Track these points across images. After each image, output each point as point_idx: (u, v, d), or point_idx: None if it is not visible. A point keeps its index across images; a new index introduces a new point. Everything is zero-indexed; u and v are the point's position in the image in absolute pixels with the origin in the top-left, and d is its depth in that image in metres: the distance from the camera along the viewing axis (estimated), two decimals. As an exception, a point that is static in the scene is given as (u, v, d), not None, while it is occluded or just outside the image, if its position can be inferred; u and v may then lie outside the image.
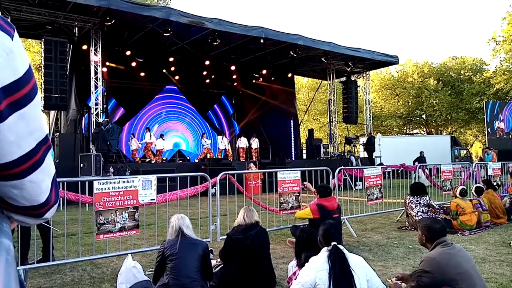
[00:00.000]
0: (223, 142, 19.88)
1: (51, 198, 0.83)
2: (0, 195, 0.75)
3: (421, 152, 19.62)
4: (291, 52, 17.13)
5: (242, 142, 20.15)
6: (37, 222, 0.88)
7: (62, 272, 4.86)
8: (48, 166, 0.78)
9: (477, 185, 8.37)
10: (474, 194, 7.95)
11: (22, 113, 0.64)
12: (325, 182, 7.23)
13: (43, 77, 12.72)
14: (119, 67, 18.71)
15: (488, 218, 7.70)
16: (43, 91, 12.74)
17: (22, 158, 0.68)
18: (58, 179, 4.85)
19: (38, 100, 0.70)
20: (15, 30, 0.65)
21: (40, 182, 0.76)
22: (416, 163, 14.93)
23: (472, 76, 34.03)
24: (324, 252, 3.14)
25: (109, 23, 13.26)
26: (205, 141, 18.97)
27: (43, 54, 12.70)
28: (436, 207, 7.54)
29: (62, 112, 15.02)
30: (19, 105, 0.64)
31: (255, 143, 20.18)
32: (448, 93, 33.85)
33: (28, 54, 25.49)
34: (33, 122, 0.68)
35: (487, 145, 26.17)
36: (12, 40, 0.62)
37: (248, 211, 4.21)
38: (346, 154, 20.37)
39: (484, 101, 29.57)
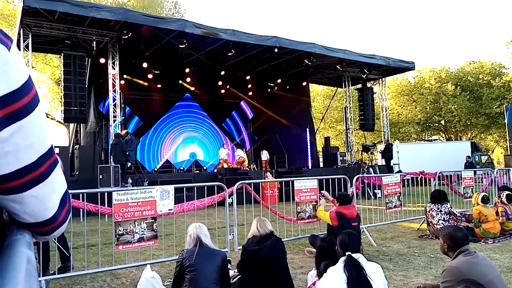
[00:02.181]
0: (240, 154, 20.04)
1: (59, 215, 0.79)
2: (6, 210, 0.73)
3: (467, 157, 19.28)
4: (305, 61, 17.14)
5: (264, 155, 20.80)
6: (45, 239, 0.85)
7: (83, 283, 4.91)
8: (55, 181, 0.75)
9: (508, 192, 8.08)
10: (505, 201, 7.71)
11: (19, 125, 0.62)
12: (342, 191, 7.16)
13: (63, 91, 13.04)
14: (136, 79, 19.04)
15: (514, 225, 7.47)
16: (63, 104, 13.04)
17: (21, 171, 0.66)
18: (77, 191, 4.90)
19: (40, 112, 0.67)
20: (13, 41, 0.64)
21: (44, 198, 0.73)
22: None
23: (491, 80, 33.37)
24: (341, 263, 3.11)
25: (126, 37, 13.53)
26: (223, 152, 19.00)
27: (62, 68, 13.04)
28: (458, 214, 7.37)
29: (81, 124, 15.33)
30: (16, 117, 0.61)
31: (264, 156, 20.75)
32: (466, 98, 33.25)
33: (48, 69, 26.19)
34: (33, 135, 0.66)
35: (509, 151, 25.55)
36: (9, 51, 0.61)
37: (260, 221, 4.17)
38: (362, 163, 20.17)
39: (504, 106, 28.93)
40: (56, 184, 0.76)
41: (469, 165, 18.05)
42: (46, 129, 0.70)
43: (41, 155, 0.69)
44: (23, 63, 0.65)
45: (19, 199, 0.69)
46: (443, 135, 38.80)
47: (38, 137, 0.67)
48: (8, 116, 0.61)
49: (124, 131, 13.82)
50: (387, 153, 18.48)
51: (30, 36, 12.68)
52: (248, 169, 18.75)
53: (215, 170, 18.52)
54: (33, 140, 0.66)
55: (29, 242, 0.75)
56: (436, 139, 38.88)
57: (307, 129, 21.30)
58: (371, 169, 18.26)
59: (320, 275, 3.61)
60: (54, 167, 0.74)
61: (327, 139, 22.58)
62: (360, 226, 6.69)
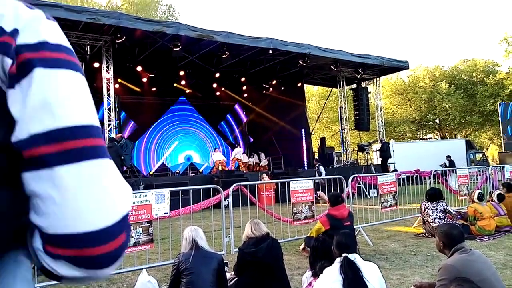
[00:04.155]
0: (239, 153, 20.04)
1: (117, 232, 0.57)
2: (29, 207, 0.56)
3: (447, 157, 19.31)
4: (300, 62, 17.17)
5: (251, 160, 21.04)
6: (89, 278, 0.58)
7: (79, 289, 4.88)
8: (110, 176, 0.59)
9: (499, 191, 8.17)
10: (496, 201, 7.77)
11: (48, 72, 0.58)
12: (338, 191, 7.18)
13: (57, 96, 12.95)
14: (130, 83, 19.00)
15: (508, 222, 7.52)
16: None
17: (55, 132, 0.55)
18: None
19: (77, 76, 0.61)
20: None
21: (92, 187, 0.55)
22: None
23: (484, 78, 33.59)
24: (337, 263, 3.11)
25: (120, 40, 13.50)
26: (218, 156, 19.01)
27: (56, 73, 12.95)
28: (453, 212, 7.40)
29: (76, 129, 15.22)
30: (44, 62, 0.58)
31: (263, 161, 21.06)
32: (460, 96, 33.44)
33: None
34: (64, 90, 0.57)
35: (503, 148, 25.71)
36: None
37: (254, 224, 4.15)
38: (359, 161, 20.22)
39: (498, 103, 29.12)
40: (112, 181, 0.59)
41: (450, 164, 18.10)
42: (81, 99, 0.59)
43: (82, 125, 0.57)
44: (63, 35, 0.63)
45: (50, 177, 0.53)
46: (438, 134, 38.98)
47: (63, 100, 0.57)
48: (42, 59, 0.57)
49: (118, 135, 13.78)
50: (383, 152, 18.53)
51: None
52: (245, 170, 18.76)
53: (212, 174, 18.52)
54: (52, 98, 0.56)
55: (25, 275, 0.60)
56: (431, 138, 39.04)
57: (303, 130, 21.33)
58: (372, 167, 18.31)
59: (315, 275, 3.61)
60: (104, 155, 0.59)
61: (322, 140, 22.64)
62: (356, 226, 6.71)
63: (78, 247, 0.54)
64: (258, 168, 20.52)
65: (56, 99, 0.56)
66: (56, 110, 0.55)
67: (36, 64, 0.56)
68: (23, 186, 0.55)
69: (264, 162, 20.85)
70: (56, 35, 0.60)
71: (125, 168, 13.87)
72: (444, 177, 10.42)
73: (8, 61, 0.56)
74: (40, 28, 0.59)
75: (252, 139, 24.87)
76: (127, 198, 0.62)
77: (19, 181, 0.56)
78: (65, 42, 0.62)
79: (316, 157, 20.12)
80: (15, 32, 0.56)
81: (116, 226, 0.56)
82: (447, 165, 17.74)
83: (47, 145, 0.54)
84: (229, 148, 24.05)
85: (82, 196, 0.55)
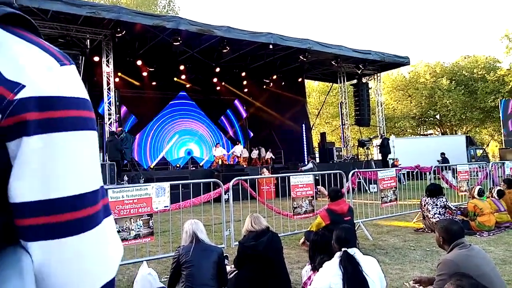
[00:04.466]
0: (238, 151, 20.06)
1: None
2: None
3: (442, 154, 19.34)
4: (300, 57, 17.12)
5: (254, 153, 21.04)
6: None
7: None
8: (100, 244, 0.58)
9: (499, 188, 8.19)
10: (496, 197, 7.78)
11: (53, 137, 0.54)
12: (338, 186, 7.18)
13: (57, 89, 12.93)
14: (130, 77, 18.97)
15: (508, 218, 7.54)
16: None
17: (45, 204, 0.53)
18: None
19: (86, 138, 0.57)
20: (72, 64, 0.60)
21: (77, 262, 0.56)
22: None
23: (485, 75, 33.51)
24: (337, 258, 3.12)
25: (120, 34, 13.46)
26: (219, 151, 18.98)
27: (56, 67, 12.92)
28: (453, 208, 7.41)
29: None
30: (51, 127, 0.53)
31: (268, 154, 20.96)
32: (461, 92, 33.38)
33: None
34: (67, 157, 0.54)
35: (503, 144, 25.70)
36: (60, 66, 0.57)
37: (254, 218, 4.16)
38: (359, 156, 20.21)
39: (499, 100, 29.07)
40: (96, 249, 0.57)
41: (443, 161, 18.13)
42: (92, 163, 0.57)
43: (78, 194, 0.55)
44: (78, 82, 0.60)
45: (33, 250, 0.54)
46: (439, 130, 38.97)
47: (76, 165, 0.55)
48: (43, 122, 0.53)
49: (119, 129, 13.78)
50: (383, 148, 18.53)
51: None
52: (246, 164, 18.78)
53: (212, 168, 18.53)
54: (67, 164, 0.54)
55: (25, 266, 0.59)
56: (432, 134, 39.03)
57: (303, 125, 21.32)
58: (372, 163, 18.31)
59: (314, 269, 3.62)
60: (96, 224, 0.57)
61: (323, 135, 22.63)
62: (356, 221, 6.72)
63: None
64: (261, 161, 20.49)
65: (50, 170, 0.53)
66: (46, 180, 0.53)
67: (34, 129, 0.52)
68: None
69: (268, 155, 20.73)
70: (69, 86, 0.56)
71: (125, 161, 13.89)
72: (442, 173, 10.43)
73: None
74: (51, 81, 0.54)
75: (252, 134, 24.86)
76: (117, 258, 0.61)
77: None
78: (79, 92, 0.58)
79: (312, 154, 20.08)
80: (14, 85, 0.52)
81: (108, 284, 0.58)
82: (441, 162, 17.81)
83: (45, 216, 0.53)
84: (230, 142, 24.07)
85: (81, 263, 0.56)
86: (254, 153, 21.24)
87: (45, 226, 0.53)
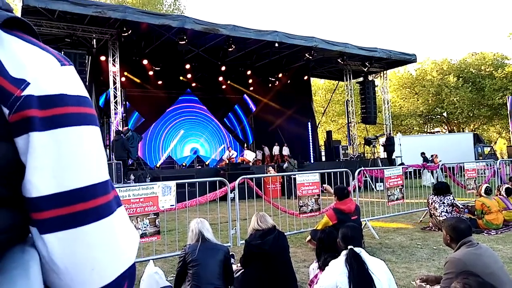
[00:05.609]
0: (247, 155, 20.00)
1: (125, 276, 0.61)
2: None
3: (422, 153, 19.29)
4: (306, 55, 17.07)
5: (258, 154, 21.08)
6: None
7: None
8: (110, 234, 0.59)
9: (507, 185, 8.11)
10: (504, 195, 7.72)
11: (59, 132, 0.56)
12: (344, 184, 7.15)
13: (64, 89, 13.01)
14: (136, 76, 19.05)
15: (516, 216, 7.46)
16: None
17: (57, 196, 0.55)
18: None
19: (90, 132, 0.59)
20: (71, 65, 0.62)
21: (102, 244, 0.58)
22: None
23: (493, 72, 33.19)
24: (343, 256, 3.11)
25: (126, 34, 13.51)
26: (230, 154, 18.83)
27: (63, 67, 13.00)
28: (461, 206, 7.36)
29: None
30: (57, 123, 0.56)
31: (285, 151, 20.63)
32: (469, 89, 33.09)
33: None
34: (74, 150, 0.57)
35: (511, 142, 25.47)
36: (61, 66, 0.60)
37: (260, 217, 4.16)
38: (366, 155, 20.13)
39: (507, 97, 28.78)
40: (122, 233, 0.60)
41: (424, 161, 18.03)
42: (99, 156, 0.60)
43: (89, 185, 0.57)
44: (78, 81, 0.62)
45: (50, 242, 0.56)
46: (446, 127, 38.67)
47: (85, 158, 0.57)
48: (48, 118, 0.55)
49: (125, 128, 13.85)
50: (389, 146, 18.44)
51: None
52: (251, 164, 18.74)
53: (218, 166, 18.51)
54: (77, 157, 0.57)
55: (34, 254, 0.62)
56: (439, 131, 38.75)
57: (309, 123, 21.27)
58: (379, 161, 18.23)
59: (321, 267, 3.62)
60: (114, 209, 0.60)
61: (329, 133, 22.57)
62: (362, 219, 6.69)
63: None
64: (276, 158, 20.26)
65: (61, 163, 0.55)
66: (58, 173, 0.55)
67: (41, 125, 0.55)
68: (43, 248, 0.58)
69: (285, 150, 20.01)
70: (70, 85, 0.59)
71: (131, 160, 13.95)
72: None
73: (5, 110, 0.55)
74: (54, 79, 0.57)
75: (257, 133, 24.85)
76: (134, 246, 0.65)
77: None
78: (79, 90, 0.60)
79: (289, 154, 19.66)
80: (20, 81, 0.55)
81: (127, 272, 0.61)
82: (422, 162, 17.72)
83: (61, 208, 0.55)
84: (237, 142, 24.10)
85: (99, 252, 0.58)
86: (259, 155, 21.22)
87: (62, 217, 0.55)
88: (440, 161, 14.37)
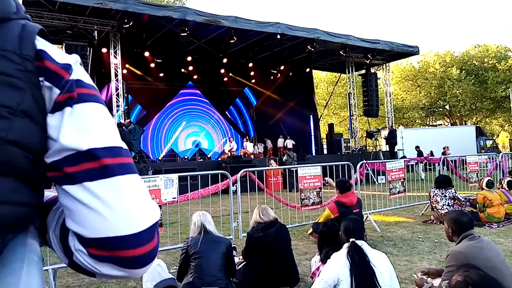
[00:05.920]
0: (248, 147, 20.02)
1: (154, 231, 0.64)
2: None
3: (416, 147, 19.33)
4: (308, 47, 16.99)
5: (260, 147, 21.04)
6: (127, 276, 0.63)
7: (89, 271, 4.95)
8: (133, 188, 0.64)
9: (509, 179, 8.10)
10: (506, 188, 7.71)
11: (71, 109, 0.65)
12: (346, 177, 7.15)
13: (65, 81, 13.02)
14: (138, 69, 18.99)
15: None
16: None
17: (74, 155, 0.62)
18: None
19: (99, 107, 0.68)
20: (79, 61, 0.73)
21: (133, 195, 0.63)
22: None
23: (496, 64, 32.99)
24: (345, 249, 3.13)
25: (127, 26, 13.45)
26: (233, 145, 18.86)
27: (64, 59, 13.00)
28: (462, 199, 7.36)
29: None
30: (75, 100, 0.66)
31: (259, 148, 20.93)
32: (471, 82, 32.92)
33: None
34: (87, 121, 0.65)
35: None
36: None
37: (262, 209, 4.17)
38: (368, 147, 20.11)
39: (509, 89, 28.64)
40: (136, 192, 0.64)
41: (418, 154, 18.07)
42: (110, 126, 0.67)
43: (102, 147, 0.63)
44: (87, 74, 0.72)
45: (74, 193, 0.60)
46: (448, 120, 38.56)
47: (96, 127, 0.64)
48: (79, 95, 0.65)
49: (127, 121, 13.85)
50: (391, 139, 18.41)
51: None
52: (252, 156, 18.76)
53: (219, 159, 18.53)
54: (98, 124, 0.65)
55: (34, 232, 0.68)
56: (441, 124, 38.64)
57: (311, 116, 21.24)
58: (380, 154, 18.21)
59: (322, 260, 3.63)
60: (126, 171, 0.64)
61: (330, 126, 22.53)
62: (364, 212, 6.71)
63: (124, 249, 0.60)
64: (280, 150, 20.26)
65: (92, 126, 0.64)
66: (91, 134, 0.63)
67: (80, 99, 0.65)
68: (59, 197, 0.64)
69: (289, 142, 19.89)
70: (86, 75, 0.71)
71: (133, 153, 13.98)
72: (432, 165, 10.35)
73: (56, 91, 0.65)
74: (81, 69, 0.70)
75: (259, 126, 24.82)
76: (156, 205, 0.69)
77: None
78: (90, 79, 0.72)
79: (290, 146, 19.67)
80: (68, 66, 0.67)
81: (154, 227, 0.64)
82: (417, 155, 17.75)
83: (91, 162, 0.62)
84: (238, 135, 24.08)
85: (130, 202, 0.62)
86: (260, 147, 21.19)
87: (87, 170, 0.61)
88: (449, 153, 14.45)
